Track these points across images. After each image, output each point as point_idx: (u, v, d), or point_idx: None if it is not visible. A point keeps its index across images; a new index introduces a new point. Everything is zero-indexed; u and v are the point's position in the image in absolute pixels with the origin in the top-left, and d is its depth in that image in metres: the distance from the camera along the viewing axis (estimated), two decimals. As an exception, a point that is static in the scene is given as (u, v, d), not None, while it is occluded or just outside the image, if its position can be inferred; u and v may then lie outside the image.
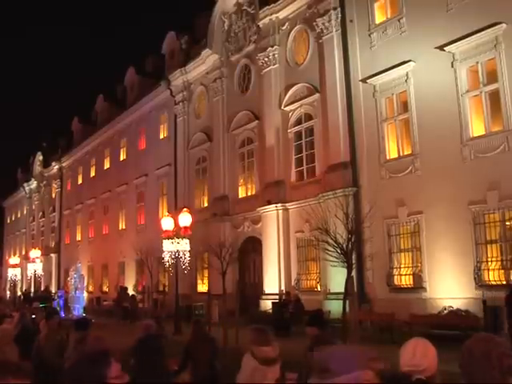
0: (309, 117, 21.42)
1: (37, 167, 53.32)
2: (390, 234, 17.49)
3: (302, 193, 20.32)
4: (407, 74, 17.30)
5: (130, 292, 30.06)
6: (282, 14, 22.84)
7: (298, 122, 21.87)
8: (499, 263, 14.58)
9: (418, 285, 16.40)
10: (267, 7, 23.04)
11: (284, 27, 22.83)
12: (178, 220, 18.57)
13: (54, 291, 39.70)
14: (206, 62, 27.45)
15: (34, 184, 54.30)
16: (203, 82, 28.32)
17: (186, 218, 18.46)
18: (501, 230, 14.78)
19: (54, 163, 48.27)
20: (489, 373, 2.23)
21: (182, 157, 29.38)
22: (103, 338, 4.47)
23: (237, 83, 25.80)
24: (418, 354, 2.70)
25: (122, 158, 37.27)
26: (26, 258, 46.83)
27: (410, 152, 17.25)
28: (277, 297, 20.46)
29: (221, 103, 26.58)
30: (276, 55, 23.00)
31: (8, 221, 67.57)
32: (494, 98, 15.16)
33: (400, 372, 2.74)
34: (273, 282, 21.47)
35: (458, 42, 15.61)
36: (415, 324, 14.47)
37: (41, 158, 52.36)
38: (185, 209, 19.62)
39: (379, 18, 18.80)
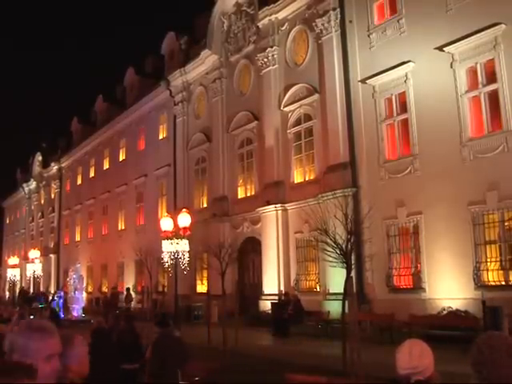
0: (308, 117, 21.43)
1: (36, 168, 53.31)
2: (390, 234, 17.49)
3: (302, 193, 20.32)
4: (406, 75, 17.31)
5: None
6: (281, 15, 22.86)
7: (298, 122, 21.87)
8: (498, 264, 14.58)
9: (418, 285, 16.40)
10: (266, 8, 23.06)
11: (283, 28, 22.84)
12: (177, 220, 18.56)
13: (53, 291, 39.68)
14: (206, 62, 27.46)
15: (33, 184, 54.30)
16: (203, 82, 28.33)
17: (185, 219, 18.44)
18: (500, 230, 14.79)
19: (53, 163, 48.25)
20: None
21: (182, 157, 29.39)
22: None
23: (236, 84, 25.81)
24: (414, 355, 2.69)
25: (121, 159, 37.27)
26: (25, 259, 46.80)
27: (409, 152, 17.25)
28: (276, 297, 20.47)
29: (220, 104, 26.59)
30: (275, 56, 23.00)
31: (7, 221, 67.57)
32: (494, 99, 15.17)
33: (398, 375, 2.73)
34: (272, 283, 21.47)
35: (458, 43, 15.63)
36: (415, 324, 14.48)
37: (40, 158, 52.34)
38: (184, 209, 19.61)
39: (378, 18, 18.82)
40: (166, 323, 7.47)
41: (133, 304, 30.30)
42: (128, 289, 30.92)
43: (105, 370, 6.71)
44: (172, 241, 18.19)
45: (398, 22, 17.90)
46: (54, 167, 48.30)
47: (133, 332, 8.69)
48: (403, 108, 17.62)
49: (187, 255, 18.54)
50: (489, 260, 14.77)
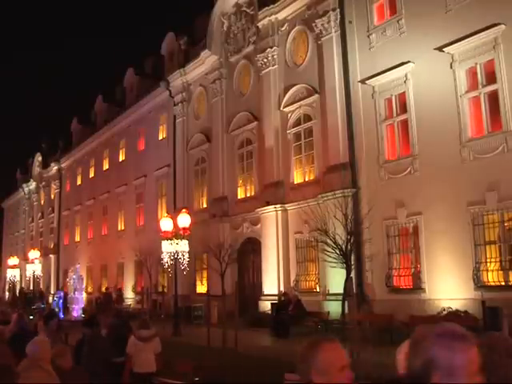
0: (308, 118, 21.42)
1: (36, 168, 53.29)
2: (389, 234, 17.47)
3: (301, 194, 20.30)
4: (406, 75, 17.30)
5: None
6: (281, 15, 22.85)
7: (297, 122, 21.86)
8: (498, 264, 14.58)
9: (417, 286, 16.39)
10: (266, 8, 23.05)
11: (283, 28, 22.84)
12: (176, 221, 18.57)
13: (52, 292, 39.67)
14: (206, 62, 27.46)
15: (33, 185, 54.27)
16: (202, 82, 28.32)
17: (185, 219, 18.46)
18: (500, 230, 14.78)
19: (53, 164, 48.24)
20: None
21: (181, 158, 29.38)
22: None
23: (236, 84, 25.81)
24: None
25: (121, 159, 37.25)
26: (24, 259, 46.77)
27: (408, 153, 17.25)
28: (276, 298, 20.46)
29: (220, 104, 26.58)
30: (275, 56, 23.00)
31: (7, 222, 67.52)
32: (493, 99, 15.16)
33: (399, 375, 2.72)
34: (272, 283, 21.45)
35: (457, 43, 15.62)
36: (414, 325, 14.45)
37: (40, 158, 52.33)
38: (184, 210, 19.63)
39: (378, 19, 18.81)
40: (94, 323, 7.92)
41: (132, 304, 30.34)
42: (119, 289, 30.99)
43: (96, 362, 7.15)
44: (172, 241, 18.21)
45: (397, 22, 17.90)
46: (54, 168, 48.28)
47: (126, 326, 9.02)
48: (403, 108, 17.61)
49: (187, 255, 18.56)
50: (488, 260, 14.77)
